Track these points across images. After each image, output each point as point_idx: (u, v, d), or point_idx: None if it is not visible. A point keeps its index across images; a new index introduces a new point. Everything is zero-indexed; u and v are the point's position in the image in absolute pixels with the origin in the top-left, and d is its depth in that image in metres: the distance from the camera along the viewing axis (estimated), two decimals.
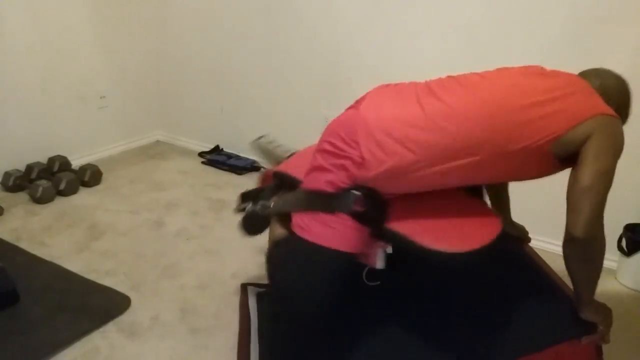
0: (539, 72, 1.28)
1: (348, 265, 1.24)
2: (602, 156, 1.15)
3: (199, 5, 2.98)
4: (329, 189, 1.22)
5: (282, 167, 1.57)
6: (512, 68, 1.32)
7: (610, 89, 1.29)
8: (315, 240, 1.22)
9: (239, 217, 1.68)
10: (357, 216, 1.21)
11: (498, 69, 1.33)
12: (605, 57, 1.94)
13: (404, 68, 2.40)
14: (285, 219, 1.45)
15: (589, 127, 1.16)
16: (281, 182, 1.53)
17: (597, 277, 1.23)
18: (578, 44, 1.98)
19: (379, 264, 1.31)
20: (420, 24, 2.31)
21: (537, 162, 1.22)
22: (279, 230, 1.43)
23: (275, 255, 1.38)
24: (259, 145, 2.09)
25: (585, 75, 1.33)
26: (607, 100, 1.25)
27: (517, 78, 1.25)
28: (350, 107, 1.32)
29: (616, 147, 1.17)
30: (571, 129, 1.16)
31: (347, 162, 1.21)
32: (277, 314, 1.36)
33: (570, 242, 1.14)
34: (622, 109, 1.29)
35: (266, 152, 2.07)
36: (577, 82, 1.25)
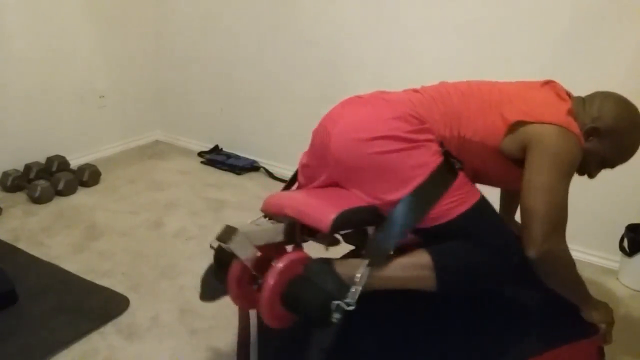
0: (531, 84, 1.33)
1: None
2: (543, 171, 1.13)
3: (198, 5, 2.97)
4: (440, 157, 1.19)
5: (335, 210, 1.16)
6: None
7: (605, 111, 1.25)
8: (476, 198, 1.18)
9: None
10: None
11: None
12: (606, 57, 1.93)
13: (404, 68, 2.40)
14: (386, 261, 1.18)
15: (524, 135, 1.18)
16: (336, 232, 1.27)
17: (577, 286, 1.23)
18: (579, 43, 1.97)
19: None
20: (420, 24, 2.31)
21: (499, 162, 1.25)
22: (411, 257, 1.17)
23: (452, 259, 1.16)
24: (233, 242, 1.20)
25: (591, 94, 1.32)
26: (596, 120, 1.24)
27: (498, 85, 1.33)
28: (365, 105, 1.31)
29: (559, 160, 1.14)
30: (508, 133, 1.20)
31: (427, 134, 1.20)
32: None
33: (530, 263, 1.13)
34: (618, 134, 1.25)
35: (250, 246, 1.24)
36: (552, 97, 1.27)
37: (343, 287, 1.13)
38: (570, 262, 1.17)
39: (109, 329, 1.66)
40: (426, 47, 2.32)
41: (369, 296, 1.38)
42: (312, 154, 1.36)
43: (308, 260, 1.21)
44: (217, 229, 1.65)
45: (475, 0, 2.14)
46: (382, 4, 2.37)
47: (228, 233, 1.20)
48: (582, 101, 1.30)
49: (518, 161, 1.20)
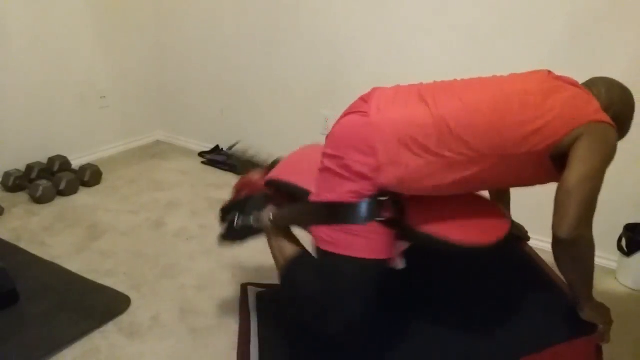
0: (541, 78, 1.30)
1: (383, 271, 1.25)
2: (589, 159, 1.15)
3: (199, 5, 2.98)
4: (353, 198, 1.21)
5: (277, 175, 1.50)
6: (512, 75, 1.34)
7: (615, 99, 1.31)
8: (349, 253, 1.21)
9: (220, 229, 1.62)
10: (385, 222, 1.21)
11: (495, 76, 1.35)
12: (605, 57, 1.94)
13: (404, 68, 2.40)
14: (284, 231, 1.46)
15: (579, 131, 1.18)
16: (276, 191, 1.50)
17: (590, 277, 1.24)
18: (579, 43, 1.98)
19: (401, 264, 1.33)
20: (420, 24, 2.31)
21: (536, 167, 1.24)
22: (289, 247, 1.40)
23: (298, 273, 1.34)
24: (235, 153, 1.95)
25: (591, 82, 1.36)
26: (609, 109, 1.28)
27: (517, 85, 1.27)
28: (353, 113, 1.29)
29: (605, 152, 1.17)
30: (566, 135, 1.19)
31: (366, 170, 1.20)
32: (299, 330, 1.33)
33: (556, 243, 1.15)
34: (622, 119, 1.31)
35: (243, 160, 1.87)
36: (576, 89, 1.27)
37: (250, 212, 1.51)
38: (593, 252, 1.19)
39: (110, 328, 1.67)
40: (426, 47, 2.33)
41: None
42: None
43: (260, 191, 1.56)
44: (218, 229, 1.66)
45: (475, 0, 2.15)
46: (382, 4, 2.38)
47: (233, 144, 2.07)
48: (590, 90, 1.32)
49: (558, 159, 1.21)
